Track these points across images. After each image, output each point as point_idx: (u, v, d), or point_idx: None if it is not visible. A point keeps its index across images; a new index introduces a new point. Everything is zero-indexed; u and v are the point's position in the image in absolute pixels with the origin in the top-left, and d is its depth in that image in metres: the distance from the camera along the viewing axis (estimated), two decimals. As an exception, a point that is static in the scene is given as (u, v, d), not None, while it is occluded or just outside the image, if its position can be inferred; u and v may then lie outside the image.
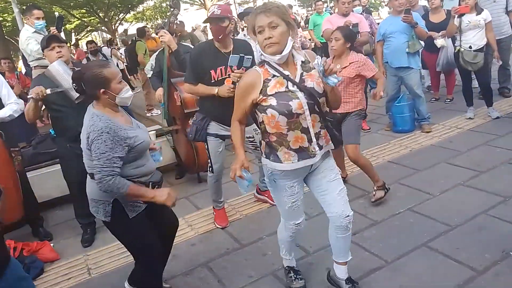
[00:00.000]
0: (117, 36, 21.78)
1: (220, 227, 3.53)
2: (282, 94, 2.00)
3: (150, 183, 2.29)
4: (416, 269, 2.62)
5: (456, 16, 4.76)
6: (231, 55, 2.95)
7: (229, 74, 3.07)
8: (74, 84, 2.17)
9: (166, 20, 4.17)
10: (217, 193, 3.54)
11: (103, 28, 24.15)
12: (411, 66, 4.78)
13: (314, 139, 2.09)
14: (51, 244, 3.55)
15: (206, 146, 3.35)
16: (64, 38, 4.36)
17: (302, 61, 2.08)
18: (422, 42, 4.94)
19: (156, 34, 4.45)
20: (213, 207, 3.65)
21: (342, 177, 3.88)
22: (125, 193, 2.12)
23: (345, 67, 3.49)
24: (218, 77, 3.12)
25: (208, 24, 3.13)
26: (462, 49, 4.84)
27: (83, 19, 22.65)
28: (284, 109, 1.99)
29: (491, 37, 4.80)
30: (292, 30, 1.99)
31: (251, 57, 2.96)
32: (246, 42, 3.39)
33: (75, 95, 2.87)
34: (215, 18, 3.02)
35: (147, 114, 8.32)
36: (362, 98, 3.59)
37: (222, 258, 3.09)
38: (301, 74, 2.05)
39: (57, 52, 3.05)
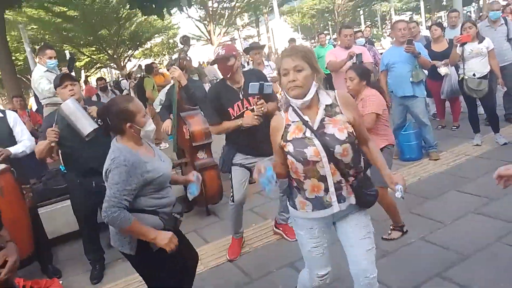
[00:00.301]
0: (133, 70, 22.34)
1: (229, 259, 3.50)
2: (299, 140, 1.97)
3: (173, 214, 2.32)
4: (431, 301, 2.56)
5: (459, 45, 4.83)
6: (250, 83, 3.00)
7: (246, 107, 3.18)
8: (99, 120, 2.25)
9: (176, 57, 4.30)
10: (236, 223, 3.56)
11: (111, 64, 24.77)
12: (416, 95, 4.83)
13: (332, 189, 1.98)
14: (60, 281, 3.53)
15: (230, 176, 3.40)
16: (74, 75, 4.49)
17: (327, 105, 2.00)
18: (426, 71, 5.00)
19: (168, 70, 4.57)
20: (232, 236, 3.64)
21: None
22: (127, 228, 2.11)
23: (358, 103, 3.42)
24: (236, 113, 3.20)
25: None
26: (466, 77, 4.89)
27: (92, 56, 23.29)
28: (299, 156, 1.95)
29: (494, 64, 4.87)
30: (317, 74, 1.96)
31: (271, 83, 3.06)
32: (256, 70, 3.51)
33: (85, 131, 2.97)
34: (221, 58, 3.11)
35: (156, 148, 8.39)
36: (387, 133, 3.43)
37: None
38: (322, 120, 1.98)
39: (69, 90, 3.14)
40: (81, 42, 20.88)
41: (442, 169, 4.73)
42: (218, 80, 3.66)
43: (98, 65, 25.53)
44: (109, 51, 21.71)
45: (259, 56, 5.44)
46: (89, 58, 23.79)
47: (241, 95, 3.18)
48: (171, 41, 25.84)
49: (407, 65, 4.76)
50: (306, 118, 1.98)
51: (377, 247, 3.25)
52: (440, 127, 6.30)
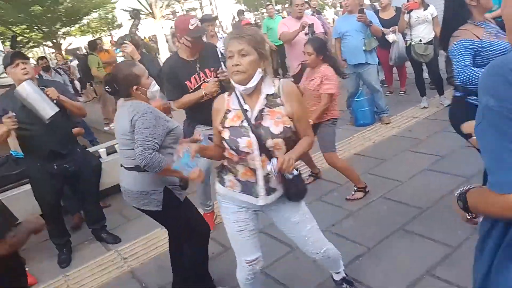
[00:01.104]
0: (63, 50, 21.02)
1: None
2: (235, 128, 1.91)
3: None
4: (397, 252, 2.77)
5: (406, 12, 5.04)
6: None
7: (203, 80, 3.17)
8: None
9: (127, 33, 4.14)
10: (204, 194, 3.55)
11: (45, 43, 23.20)
12: (369, 62, 5.02)
13: (260, 182, 1.93)
14: (26, 269, 3.41)
15: None
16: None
17: (268, 94, 1.91)
18: (389, 38, 5.19)
19: (117, 47, 4.39)
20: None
21: (314, 173, 4.02)
22: (165, 167, 2.23)
23: (313, 79, 3.53)
24: (194, 86, 3.17)
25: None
26: (413, 43, 5.14)
27: (24, 35, 21.65)
28: (233, 145, 1.90)
29: (438, 31, 5.10)
30: (265, 61, 1.88)
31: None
32: (209, 43, 3.46)
33: (46, 114, 2.85)
34: (198, 32, 3.09)
35: (105, 128, 8.13)
36: (334, 108, 3.59)
37: (209, 263, 3.10)
38: (262, 110, 1.90)
39: (22, 69, 2.96)
40: (10, 20, 19.30)
41: (394, 132, 5.00)
42: (171, 54, 3.58)
43: (31, 44, 23.82)
44: (43, 29, 20.24)
45: (212, 28, 5.36)
46: (20, 38, 22.07)
47: (197, 68, 3.17)
48: (109, 16, 24.52)
49: (359, 34, 4.91)
50: (246, 107, 1.91)
51: (341, 208, 3.48)
52: (389, 93, 6.60)
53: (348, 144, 4.88)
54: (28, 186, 3.84)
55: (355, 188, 3.62)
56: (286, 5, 28.47)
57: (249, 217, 2.07)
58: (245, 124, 1.89)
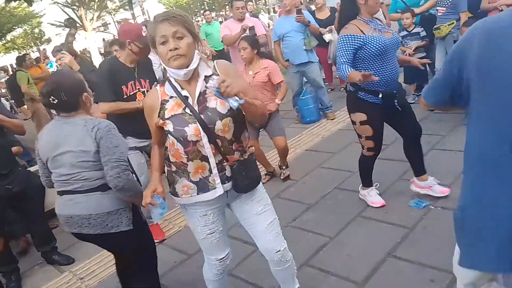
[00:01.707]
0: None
1: (157, 241, 3.42)
2: (178, 117, 1.77)
3: None
4: (358, 238, 2.87)
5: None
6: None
7: (138, 89, 3.13)
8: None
9: (63, 42, 3.95)
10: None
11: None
12: (311, 60, 5.17)
13: (214, 170, 1.82)
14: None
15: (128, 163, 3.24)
16: None
17: (206, 76, 1.81)
18: (326, 37, 5.36)
19: (54, 57, 4.17)
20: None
21: (270, 172, 4.09)
22: (133, 194, 2.12)
23: (257, 72, 3.74)
24: (130, 92, 3.11)
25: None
26: (349, 40, 5.36)
27: None
28: (179, 135, 1.76)
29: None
30: (198, 42, 1.78)
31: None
32: (147, 60, 3.39)
33: None
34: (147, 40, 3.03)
35: (43, 147, 7.66)
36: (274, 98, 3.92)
37: (172, 272, 3.03)
38: (204, 92, 1.79)
39: None
40: None
41: (340, 126, 5.18)
42: (109, 57, 3.47)
43: (-52, 64, 21.99)
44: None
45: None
46: None
47: (135, 75, 3.12)
48: (36, 30, 23.27)
49: (299, 34, 5.06)
50: (184, 93, 1.78)
51: (300, 202, 3.54)
52: (330, 90, 6.83)
53: (298, 141, 4.98)
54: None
55: (284, 167, 4.03)
56: (221, 12, 28.64)
57: (217, 218, 1.98)
58: (188, 110, 1.77)
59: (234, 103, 1.63)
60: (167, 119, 1.78)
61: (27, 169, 4.17)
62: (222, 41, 5.56)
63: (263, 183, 3.90)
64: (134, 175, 3.21)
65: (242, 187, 1.89)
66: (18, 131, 3.26)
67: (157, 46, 1.71)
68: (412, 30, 4.92)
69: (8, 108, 11.37)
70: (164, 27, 1.67)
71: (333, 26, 5.60)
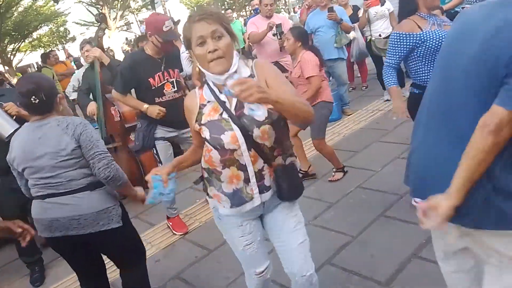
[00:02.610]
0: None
1: (181, 233, 3.46)
2: (215, 123, 1.64)
3: None
4: (381, 238, 2.81)
5: (366, 9, 5.19)
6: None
7: (167, 79, 3.14)
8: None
9: (93, 36, 4.02)
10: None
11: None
12: (341, 57, 5.16)
13: (253, 179, 1.67)
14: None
15: (155, 152, 3.29)
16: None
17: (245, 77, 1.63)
18: (349, 35, 5.31)
19: (81, 49, 4.24)
20: (167, 217, 3.57)
21: (303, 170, 3.94)
22: (123, 182, 2.12)
23: (295, 66, 3.70)
24: (157, 84, 3.13)
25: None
26: (373, 38, 5.29)
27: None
28: (216, 143, 1.64)
29: (396, 25, 5.30)
30: (235, 42, 1.62)
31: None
32: (175, 47, 3.43)
33: (4, 132, 2.69)
34: (173, 37, 3.12)
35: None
36: (323, 90, 3.67)
37: (193, 267, 3.03)
38: None
39: None
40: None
41: (361, 125, 5.11)
42: (137, 49, 3.53)
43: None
44: (-8, 45, 19.35)
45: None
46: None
47: (162, 67, 3.13)
48: (61, 29, 23.75)
49: (331, 30, 5.05)
50: (222, 97, 1.63)
51: (321, 201, 3.50)
52: (351, 89, 6.75)
53: (319, 139, 4.93)
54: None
55: (334, 170, 3.82)
56: (242, 12, 28.69)
57: (254, 228, 1.84)
58: (225, 116, 1.63)
59: (249, 112, 1.45)
60: (203, 124, 1.67)
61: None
62: (248, 38, 5.55)
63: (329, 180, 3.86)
64: (160, 164, 3.26)
65: (287, 194, 1.73)
66: None
67: (193, 48, 1.57)
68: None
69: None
70: (201, 27, 1.53)
71: (356, 24, 5.55)
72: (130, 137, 3.97)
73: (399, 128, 4.68)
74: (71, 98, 5.31)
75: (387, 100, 5.65)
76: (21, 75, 17.46)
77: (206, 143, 1.70)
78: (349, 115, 5.50)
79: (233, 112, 1.62)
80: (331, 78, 5.48)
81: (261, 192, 1.70)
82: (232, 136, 1.60)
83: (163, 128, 3.23)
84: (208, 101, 1.68)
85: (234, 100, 1.62)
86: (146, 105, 3.11)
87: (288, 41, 3.65)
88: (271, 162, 1.68)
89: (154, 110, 3.08)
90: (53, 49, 21.15)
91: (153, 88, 3.11)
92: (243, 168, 1.66)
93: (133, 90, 3.28)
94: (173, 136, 3.28)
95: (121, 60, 4.87)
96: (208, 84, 1.68)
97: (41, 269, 3.37)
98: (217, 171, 1.70)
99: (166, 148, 3.29)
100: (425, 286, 2.30)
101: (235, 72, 1.60)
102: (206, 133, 1.65)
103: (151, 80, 3.09)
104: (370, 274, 2.49)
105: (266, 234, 1.92)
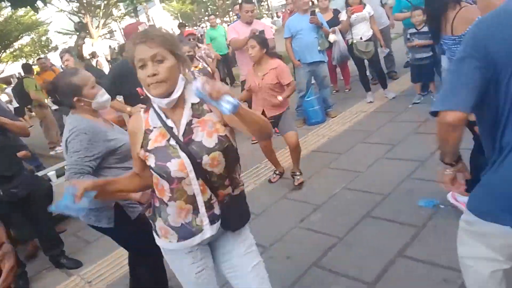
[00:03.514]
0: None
1: None
2: (161, 150, 1.56)
3: None
4: (367, 238, 2.83)
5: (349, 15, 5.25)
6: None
7: None
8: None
9: (72, 46, 4.00)
10: None
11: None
12: (322, 60, 5.21)
13: (202, 209, 1.60)
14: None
15: None
16: None
17: (193, 103, 1.58)
18: (330, 38, 5.38)
19: (61, 58, 4.20)
20: None
21: (280, 172, 4.05)
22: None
23: (266, 73, 3.69)
24: (145, 94, 3.10)
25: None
26: (354, 41, 5.35)
27: None
28: (162, 171, 1.55)
29: (375, 29, 5.42)
30: (183, 64, 1.56)
31: None
32: None
33: None
34: None
35: (51, 153, 7.69)
36: (287, 99, 3.89)
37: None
38: (189, 123, 1.56)
39: None
40: None
41: (345, 127, 5.14)
42: (124, 59, 3.53)
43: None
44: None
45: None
46: None
47: None
48: (43, 38, 23.46)
49: (312, 32, 5.08)
50: (169, 123, 1.56)
51: (307, 203, 3.51)
52: (335, 91, 6.80)
53: (304, 142, 4.94)
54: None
55: (298, 173, 3.86)
56: (225, 18, 28.76)
57: (204, 254, 1.73)
58: (173, 142, 1.55)
59: (227, 105, 1.34)
60: (149, 151, 1.58)
61: (35, 173, 4.19)
62: (229, 44, 5.56)
63: (272, 182, 3.99)
64: None
65: (232, 225, 1.68)
66: (21, 133, 3.31)
67: (136, 69, 1.52)
68: (422, 28, 4.85)
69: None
70: (142, 50, 1.47)
71: (336, 28, 5.60)
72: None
73: (382, 128, 4.74)
74: (54, 108, 5.24)
75: (370, 101, 5.72)
76: (4, 86, 17.16)
77: (153, 172, 1.60)
78: (333, 117, 5.54)
79: (181, 139, 1.55)
80: (313, 81, 5.53)
81: (212, 222, 1.63)
82: (180, 164, 1.53)
83: None
84: (154, 127, 1.60)
85: (182, 126, 1.56)
86: (129, 108, 3.18)
87: (253, 48, 3.61)
88: (219, 191, 1.61)
89: (137, 109, 3.07)
90: (40, 57, 20.95)
91: (142, 97, 3.12)
92: (191, 200, 1.59)
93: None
94: None
95: (102, 70, 4.86)
96: (154, 109, 1.60)
97: (26, 282, 3.31)
98: (164, 202, 1.62)
99: None
100: (411, 284, 2.32)
101: (182, 97, 1.56)
102: (151, 161, 1.57)
103: (139, 89, 3.12)
104: (357, 275, 2.49)
105: (216, 267, 1.80)
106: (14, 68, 23.29)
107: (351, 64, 6.25)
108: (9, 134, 3.16)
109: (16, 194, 3.10)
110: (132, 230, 2.29)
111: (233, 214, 1.65)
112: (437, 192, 3.08)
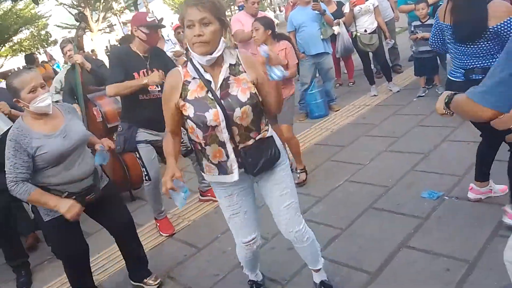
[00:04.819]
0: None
1: (167, 235, 3.42)
2: (200, 100, 1.79)
3: (66, 193, 2.30)
4: (369, 230, 2.81)
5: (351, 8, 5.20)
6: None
7: None
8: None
9: (73, 36, 3.97)
10: (157, 201, 3.41)
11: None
12: (327, 51, 5.14)
13: (232, 155, 1.86)
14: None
15: (137, 155, 3.23)
16: None
17: (231, 64, 1.84)
18: (334, 29, 5.32)
19: (62, 49, 4.17)
20: (155, 218, 3.52)
21: (300, 168, 3.84)
22: (28, 199, 2.22)
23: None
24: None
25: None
26: (358, 34, 5.31)
27: None
28: (199, 121, 1.79)
29: (380, 21, 5.35)
30: (225, 29, 1.78)
31: None
32: (160, 49, 3.44)
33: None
34: (156, 25, 3.08)
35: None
36: (292, 83, 3.73)
37: (182, 265, 2.99)
38: (227, 78, 1.82)
39: None
40: None
41: (348, 120, 5.12)
42: (124, 46, 3.49)
43: (-43, 67, 22.15)
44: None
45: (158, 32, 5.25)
46: None
47: (148, 64, 3.10)
48: (42, 32, 23.33)
49: (315, 24, 5.01)
50: (207, 76, 1.80)
51: (310, 195, 3.49)
52: (338, 85, 6.75)
53: (306, 135, 4.93)
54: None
55: (298, 171, 3.74)
56: (227, 12, 28.61)
57: (241, 199, 2.02)
58: (210, 95, 1.79)
59: (278, 73, 1.71)
60: (189, 101, 1.80)
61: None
62: (232, 36, 5.48)
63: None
64: (144, 169, 3.20)
65: (252, 171, 1.90)
66: None
67: (184, 28, 1.74)
68: (426, 21, 4.81)
69: None
70: (192, 12, 1.68)
71: (340, 20, 5.56)
72: (114, 137, 3.91)
73: (385, 122, 4.71)
74: (54, 100, 5.21)
75: (374, 95, 5.69)
76: (3, 81, 17.15)
77: (189, 121, 1.82)
78: (336, 110, 5.51)
79: (218, 92, 1.79)
80: (317, 75, 5.48)
81: (240, 167, 1.89)
82: (214, 114, 1.77)
83: (145, 131, 3.18)
84: (193, 78, 1.82)
85: (220, 80, 1.80)
86: (145, 79, 2.99)
87: (257, 31, 3.49)
88: (246, 141, 1.86)
89: (155, 75, 2.99)
90: (34, 52, 20.83)
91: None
92: (222, 144, 1.84)
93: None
94: (155, 140, 3.20)
95: (101, 60, 4.83)
96: (192, 62, 1.81)
97: (28, 273, 3.30)
98: (202, 147, 1.88)
99: (149, 152, 3.22)
100: (413, 275, 2.30)
101: (220, 57, 1.80)
102: (190, 111, 1.79)
103: (135, 75, 3.05)
104: (359, 265, 2.48)
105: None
106: (13, 63, 23.21)
107: (355, 57, 6.23)
108: None
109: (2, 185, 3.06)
110: (45, 231, 2.59)
111: (250, 163, 1.87)
112: (441, 184, 3.08)
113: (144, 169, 3.24)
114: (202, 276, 2.81)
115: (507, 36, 2.19)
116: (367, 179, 3.49)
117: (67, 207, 2.21)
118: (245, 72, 1.85)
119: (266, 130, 1.94)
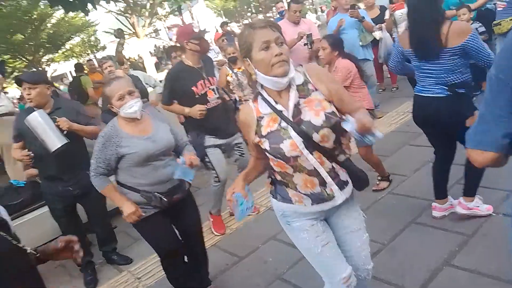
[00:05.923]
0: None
1: (219, 234, 3.61)
2: (274, 133, 1.70)
3: (155, 193, 2.45)
4: (412, 245, 2.78)
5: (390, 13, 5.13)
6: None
7: (208, 87, 3.29)
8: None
9: (113, 54, 4.21)
10: (220, 200, 3.63)
11: (32, 71, 23.01)
12: (367, 58, 5.09)
13: (328, 179, 1.73)
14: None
15: (207, 159, 3.42)
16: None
17: (298, 85, 1.72)
18: (376, 35, 5.26)
19: (101, 65, 4.43)
20: (211, 213, 3.71)
21: (385, 176, 3.77)
22: (101, 191, 2.46)
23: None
24: (200, 92, 3.27)
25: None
26: (400, 39, 5.21)
27: (7, 65, 21.47)
28: (276, 153, 1.70)
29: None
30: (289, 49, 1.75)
31: None
32: (208, 56, 3.60)
33: (52, 146, 2.83)
34: (203, 34, 3.30)
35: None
36: (365, 98, 3.61)
37: (224, 274, 3.09)
38: (297, 104, 1.70)
39: (27, 94, 2.96)
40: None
41: (392, 128, 5.04)
42: (176, 62, 3.66)
43: (15, 74, 23.61)
44: (27, 57, 20.12)
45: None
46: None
47: (204, 75, 3.28)
48: (92, 38, 24.52)
49: (354, 30, 5.00)
50: (279, 107, 1.70)
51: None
52: (381, 90, 6.66)
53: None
54: (30, 215, 3.86)
55: (379, 178, 3.68)
56: (268, 14, 28.70)
57: (325, 227, 1.86)
58: (283, 124, 1.69)
59: (371, 139, 1.60)
60: (263, 136, 1.72)
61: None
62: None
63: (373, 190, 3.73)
64: (214, 171, 3.44)
65: (362, 183, 1.84)
66: (90, 137, 3.26)
67: (255, 52, 1.64)
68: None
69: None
70: (266, 33, 1.63)
71: (383, 25, 5.48)
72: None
73: (429, 130, 4.58)
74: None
75: (417, 101, 5.54)
76: (58, 85, 18.12)
77: (269, 156, 1.76)
78: (379, 118, 5.40)
79: (291, 120, 1.69)
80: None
81: (341, 188, 1.77)
82: (291, 144, 1.66)
83: (211, 137, 3.39)
84: (265, 114, 1.74)
85: (291, 108, 1.69)
86: (187, 109, 3.29)
87: (324, 50, 3.48)
88: (337, 159, 1.74)
89: (195, 110, 3.24)
90: (85, 58, 21.89)
91: (197, 96, 3.26)
92: (313, 173, 1.71)
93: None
94: (221, 144, 3.44)
95: (137, 73, 5.04)
96: (262, 97, 1.74)
97: (93, 271, 3.53)
98: (289, 174, 1.75)
99: (218, 154, 3.44)
100: (458, 296, 2.27)
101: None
102: (266, 144, 1.72)
103: (194, 88, 3.25)
104: (401, 283, 2.47)
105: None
106: (65, 67, 24.49)
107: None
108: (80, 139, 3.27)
109: (72, 192, 3.25)
110: (141, 229, 2.57)
111: (358, 177, 1.81)
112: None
113: (214, 171, 3.45)
114: (244, 285, 2.89)
115: (472, 51, 2.50)
116: (410, 192, 3.44)
117: (129, 212, 2.40)
118: (315, 90, 1.72)
119: (346, 153, 1.81)
